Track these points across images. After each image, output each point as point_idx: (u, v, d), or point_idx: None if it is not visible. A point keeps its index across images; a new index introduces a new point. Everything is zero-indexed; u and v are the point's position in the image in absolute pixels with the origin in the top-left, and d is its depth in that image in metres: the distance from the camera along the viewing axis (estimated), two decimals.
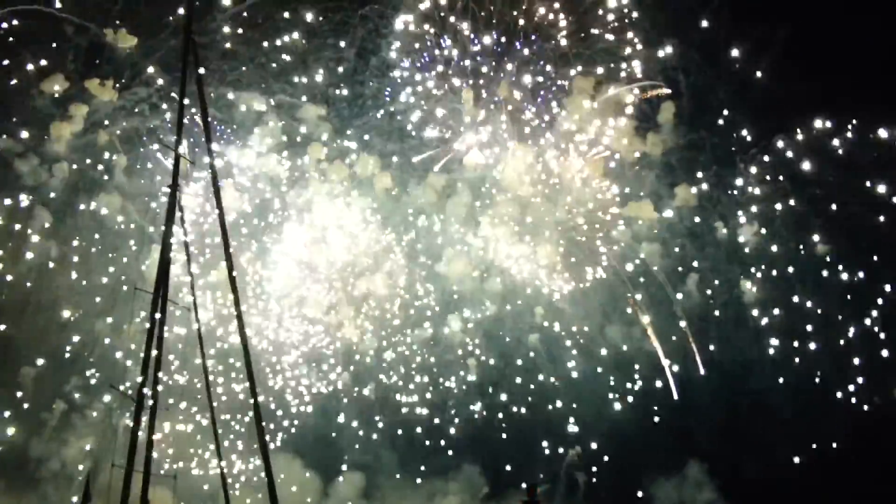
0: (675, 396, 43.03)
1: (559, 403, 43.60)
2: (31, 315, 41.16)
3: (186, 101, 26.08)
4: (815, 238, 43.53)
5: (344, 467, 43.01)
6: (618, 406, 43.20)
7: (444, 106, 45.40)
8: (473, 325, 44.46)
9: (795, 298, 43.55)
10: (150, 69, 42.79)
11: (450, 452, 43.49)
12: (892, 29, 40.86)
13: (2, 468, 38.81)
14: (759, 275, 44.14)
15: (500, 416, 43.84)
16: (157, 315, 25.32)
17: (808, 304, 43.31)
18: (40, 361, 40.73)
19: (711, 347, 43.49)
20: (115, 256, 42.56)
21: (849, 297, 42.95)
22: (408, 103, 45.52)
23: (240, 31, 43.91)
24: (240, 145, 44.49)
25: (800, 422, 41.11)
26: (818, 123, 43.88)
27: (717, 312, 44.18)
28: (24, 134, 41.87)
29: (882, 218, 42.89)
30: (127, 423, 26.29)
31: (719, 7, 43.64)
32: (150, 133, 42.96)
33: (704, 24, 43.92)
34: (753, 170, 44.52)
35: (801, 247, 43.80)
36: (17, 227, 41.53)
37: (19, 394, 40.46)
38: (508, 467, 42.95)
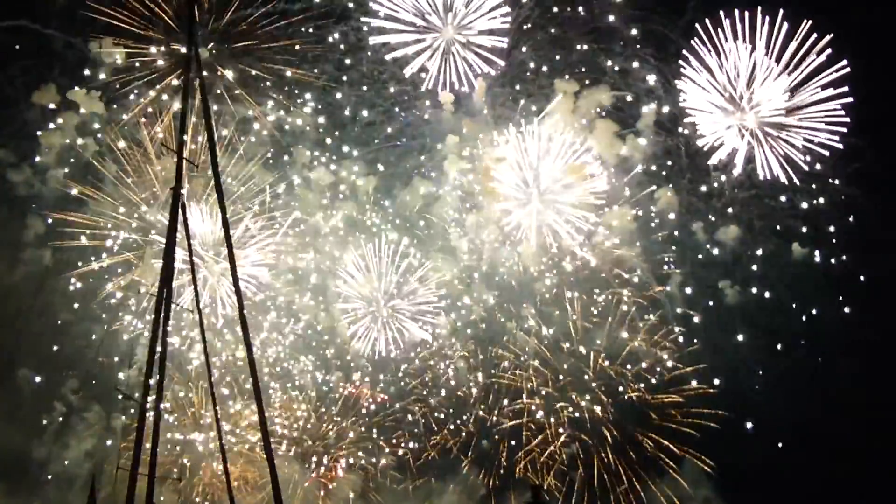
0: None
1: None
2: (30, 320, 41.28)
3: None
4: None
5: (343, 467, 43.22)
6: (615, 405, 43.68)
7: (425, 111, 46.03)
8: (462, 328, 44.88)
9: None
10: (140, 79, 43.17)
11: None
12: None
13: (4, 472, 38.62)
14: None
15: (495, 416, 44.13)
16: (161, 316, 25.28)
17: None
18: (39, 365, 40.88)
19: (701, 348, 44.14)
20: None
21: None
22: (390, 109, 46.18)
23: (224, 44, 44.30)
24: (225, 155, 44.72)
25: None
26: None
27: (703, 313, 44.90)
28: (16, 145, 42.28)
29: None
30: (129, 426, 26.26)
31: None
32: (140, 143, 43.18)
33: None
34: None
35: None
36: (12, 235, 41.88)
37: (18, 398, 40.54)
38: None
